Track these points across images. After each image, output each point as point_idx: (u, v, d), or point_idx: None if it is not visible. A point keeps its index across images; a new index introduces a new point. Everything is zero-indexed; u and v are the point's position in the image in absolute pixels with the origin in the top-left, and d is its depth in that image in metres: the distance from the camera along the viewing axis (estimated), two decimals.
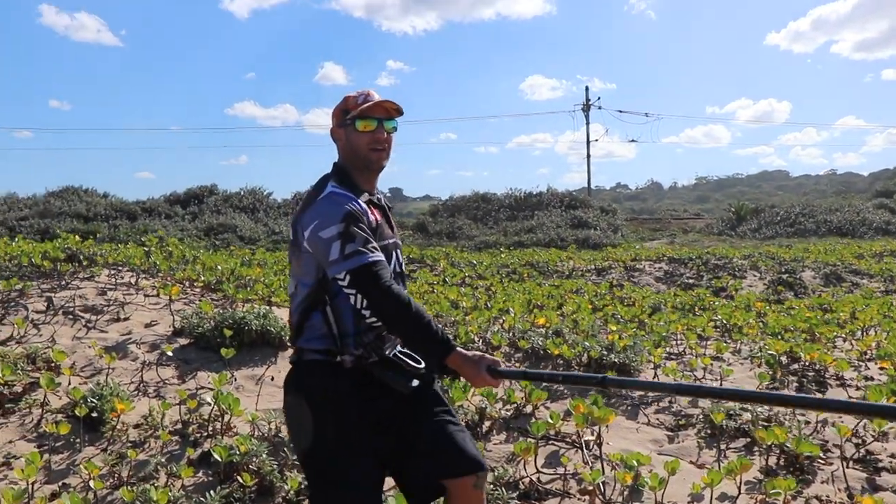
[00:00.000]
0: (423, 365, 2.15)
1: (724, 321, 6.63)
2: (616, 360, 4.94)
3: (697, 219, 46.22)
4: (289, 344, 2.47)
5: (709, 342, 6.01)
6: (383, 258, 2.07)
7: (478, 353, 2.09)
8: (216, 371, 4.48)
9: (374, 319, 2.06)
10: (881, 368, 5.17)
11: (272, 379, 4.53)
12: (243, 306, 5.87)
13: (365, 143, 2.17)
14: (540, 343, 5.25)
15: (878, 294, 11.22)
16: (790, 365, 5.36)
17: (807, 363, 5.26)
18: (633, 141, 54.27)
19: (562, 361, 5.09)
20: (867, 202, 42.03)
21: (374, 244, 2.06)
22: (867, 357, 5.57)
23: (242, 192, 31.19)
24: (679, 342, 6.08)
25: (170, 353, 4.60)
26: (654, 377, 4.98)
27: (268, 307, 5.59)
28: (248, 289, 6.48)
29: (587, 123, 44.93)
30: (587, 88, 46.15)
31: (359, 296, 2.01)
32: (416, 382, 2.14)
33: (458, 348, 2.06)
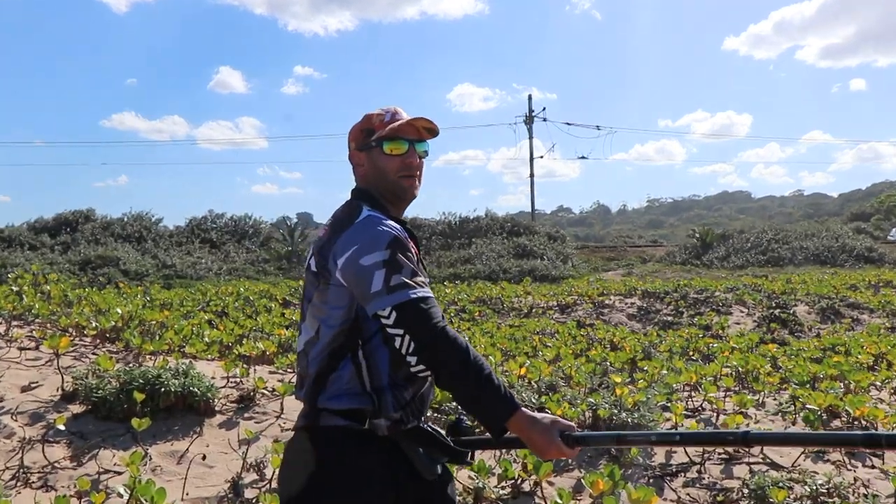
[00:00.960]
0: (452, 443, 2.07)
1: (739, 368, 6.46)
2: (629, 420, 4.64)
3: (656, 246, 47.36)
4: (300, 399, 2.08)
5: (726, 394, 5.80)
6: (433, 295, 1.98)
7: (547, 414, 1.95)
8: (124, 448, 3.96)
9: (418, 369, 1.95)
10: None
11: (203, 458, 4.00)
12: (153, 360, 5.37)
13: (394, 168, 2.14)
14: (535, 401, 4.90)
15: (885, 331, 11.43)
16: (830, 421, 5.18)
17: (851, 419, 5.08)
18: (582, 158, 55.50)
19: None
20: (844, 226, 44.12)
21: (423, 278, 2.00)
22: None
23: (126, 219, 30.27)
24: (688, 393, 5.86)
25: (61, 427, 3.98)
26: None
27: (188, 361, 5.11)
28: (157, 338, 5.93)
29: (530, 138, 45.53)
30: (530, 98, 46.84)
31: (406, 337, 1.90)
32: (439, 469, 2.08)
33: (524, 408, 1.91)
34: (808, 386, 5.82)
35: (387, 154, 2.12)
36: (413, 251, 2.04)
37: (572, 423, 1.98)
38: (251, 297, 12.20)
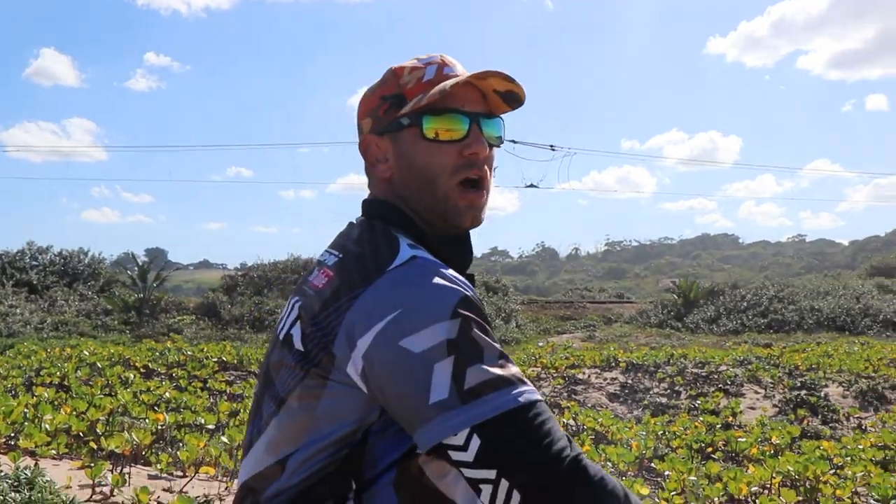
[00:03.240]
0: None
1: (797, 475, 6.30)
2: None
3: (623, 303, 48.11)
4: None
5: None
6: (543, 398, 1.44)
7: None
8: None
9: None
10: None
11: None
12: None
13: (446, 167, 1.62)
14: None
15: None
16: None
17: None
18: (532, 186, 55.01)
19: None
20: (864, 282, 45.64)
21: (517, 368, 1.43)
22: None
23: None
24: None
25: None
26: None
27: (30, 463, 4.60)
28: None
29: None
30: None
31: (502, 484, 1.32)
32: None
33: None
34: (893, 502, 5.67)
35: (431, 140, 1.60)
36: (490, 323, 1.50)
37: None
38: (99, 364, 11.57)
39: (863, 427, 11.59)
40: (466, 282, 1.49)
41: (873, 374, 14.68)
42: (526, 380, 1.39)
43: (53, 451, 5.70)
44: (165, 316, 34.69)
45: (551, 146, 47.80)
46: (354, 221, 1.71)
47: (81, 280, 36.41)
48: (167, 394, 9.11)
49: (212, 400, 10.20)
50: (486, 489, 1.32)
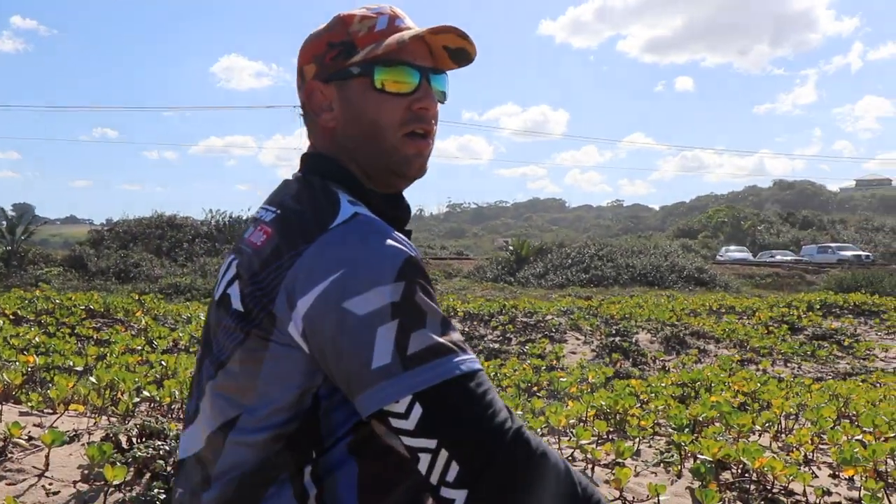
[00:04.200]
0: None
1: (608, 408, 6.59)
2: None
3: (462, 259, 48.69)
4: None
5: (598, 441, 5.86)
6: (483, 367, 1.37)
7: None
8: None
9: None
10: (840, 478, 5.33)
11: None
12: None
13: (395, 119, 1.49)
14: None
15: (737, 364, 12.26)
16: (718, 473, 5.33)
17: (742, 471, 5.26)
18: None
19: None
20: (671, 242, 47.61)
21: (459, 335, 1.31)
22: (809, 460, 5.78)
23: None
24: (555, 440, 5.86)
25: None
26: None
27: None
28: None
29: None
30: None
31: (441, 454, 1.21)
32: None
33: None
34: (686, 431, 5.99)
35: (380, 91, 1.47)
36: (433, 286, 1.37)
37: None
38: None
39: (666, 368, 12.12)
40: (409, 241, 1.38)
41: (676, 323, 15.40)
42: (467, 348, 1.29)
43: None
44: (33, 267, 33.34)
45: None
46: (291, 177, 1.58)
47: None
48: (37, 339, 8.79)
49: (80, 345, 9.89)
50: (425, 458, 1.22)
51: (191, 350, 10.20)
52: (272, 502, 1.35)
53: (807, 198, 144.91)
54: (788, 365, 12.88)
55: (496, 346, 13.18)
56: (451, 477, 1.20)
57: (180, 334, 11.38)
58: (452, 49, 1.52)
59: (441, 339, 1.26)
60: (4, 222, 35.43)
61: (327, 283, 1.27)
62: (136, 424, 4.81)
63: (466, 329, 14.21)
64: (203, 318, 10.08)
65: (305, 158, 1.57)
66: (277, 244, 1.37)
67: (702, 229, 67.75)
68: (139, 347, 9.70)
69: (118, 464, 4.03)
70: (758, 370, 11.59)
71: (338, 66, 1.50)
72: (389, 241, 1.32)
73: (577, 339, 14.17)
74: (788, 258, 52.11)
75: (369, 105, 1.48)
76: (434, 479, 1.22)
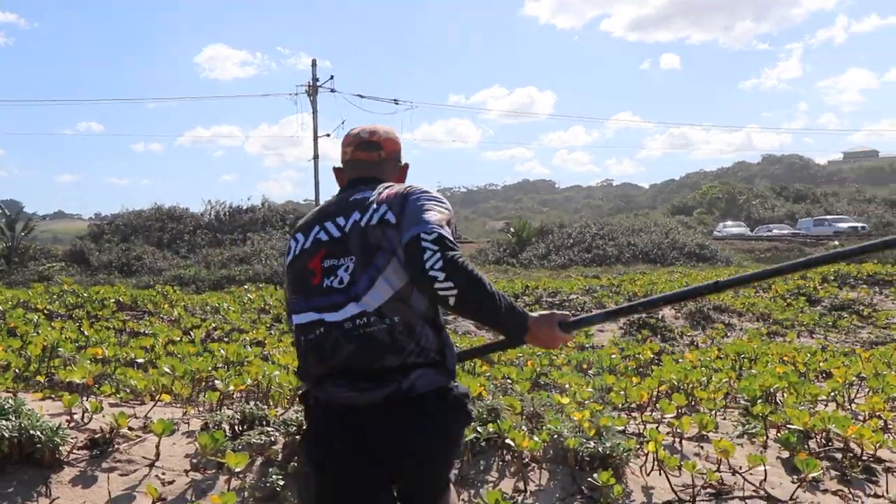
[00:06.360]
0: None
1: (676, 382, 6.63)
2: (601, 450, 4.56)
3: (462, 243, 48.67)
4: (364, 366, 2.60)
5: (679, 415, 5.89)
6: None
7: (542, 311, 2.78)
8: None
9: (444, 286, 2.48)
10: None
11: None
12: None
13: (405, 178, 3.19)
14: (491, 433, 4.70)
15: (765, 337, 12.35)
16: (805, 442, 5.38)
17: (826, 438, 5.32)
18: None
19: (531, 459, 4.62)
20: (669, 219, 47.68)
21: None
22: (888, 427, 5.86)
23: None
24: (637, 417, 5.91)
25: None
26: (650, 471, 4.68)
27: (13, 396, 4.42)
28: None
29: (314, 112, 44.50)
30: (314, 64, 45.92)
31: (437, 255, 2.51)
32: None
33: (530, 313, 2.70)
34: (760, 402, 6.04)
35: (403, 168, 3.17)
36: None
37: (566, 313, 2.80)
38: (1, 307, 10.96)
39: (695, 343, 12.19)
40: None
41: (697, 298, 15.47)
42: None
43: (2, 386, 5.47)
44: (35, 263, 33.20)
45: (395, 100, 47.70)
46: (364, 186, 2.92)
47: None
48: (85, 332, 8.76)
49: (118, 337, 9.88)
50: (430, 253, 2.51)
51: (226, 339, 10.19)
52: (422, 332, 2.62)
53: (795, 171, 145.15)
54: (814, 336, 12.97)
55: None
56: (438, 266, 2.50)
57: (212, 324, 11.40)
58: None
59: (452, 238, 2.64)
60: (2, 219, 35.26)
61: (424, 194, 2.77)
62: (237, 412, 4.83)
63: None
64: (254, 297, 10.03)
65: (370, 176, 2.98)
66: (398, 191, 2.79)
67: (696, 206, 67.95)
68: (178, 339, 9.69)
69: (230, 451, 4.05)
70: (785, 342, 11.63)
71: (399, 159, 3.14)
72: (440, 195, 2.81)
73: None
74: (786, 231, 52.37)
75: (403, 172, 3.15)
76: (429, 265, 2.49)
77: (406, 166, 3.11)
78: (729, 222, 58.97)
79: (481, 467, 4.72)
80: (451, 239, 2.56)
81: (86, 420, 4.67)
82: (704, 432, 5.42)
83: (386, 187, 2.80)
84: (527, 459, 4.67)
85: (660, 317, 13.76)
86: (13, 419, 3.81)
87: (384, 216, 2.64)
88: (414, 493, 2.73)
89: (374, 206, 2.70)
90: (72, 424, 4.59)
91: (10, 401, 4.02)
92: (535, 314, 2.66)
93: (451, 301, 2.47)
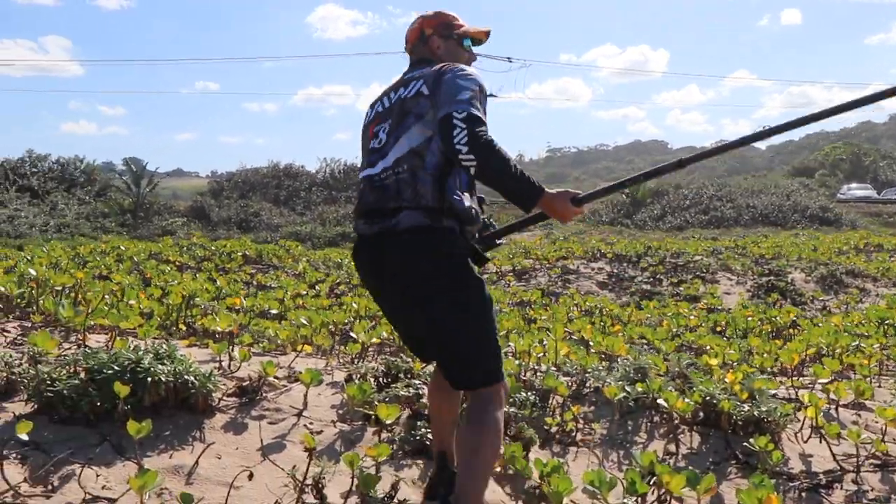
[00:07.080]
0: None
1: (825, 347, 6.35)
2: (756, 414, 4.36)
3: None
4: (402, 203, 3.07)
5: (834, 381, 5.63)
6: None
7: (555, 189, 3.13)
8: (105, 463, 3.32)
9: (466, 158, 2.90)
10: None
11: (239, 476, 3.37)
12: (108, 342, 4.79)
13: (466, 59, 3.41)
14: (640, 393, 4.57)
15: None
16: None
17: None
18: (491, 96, 55.08)
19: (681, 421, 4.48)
20: (791, 181, 46.13)
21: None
22: None
23: None
24: (787, 380, 5.68)
25: (23, 437, 3.23)
26: (807, 438, 4.47)
27: (166, 342, 4.53)
28: (89, 310, 5.01)
29: None
30: None
31: (465, 131, 2.90)
32: None
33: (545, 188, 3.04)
34: None
35: (461, 48, 3.46)
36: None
37: (577, 191, 3.16)
38: (137, 259, 11.28)
39: (827, 308, 11.74)
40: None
41: (829, 262, 14.87)
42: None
43: (154, 335, 5.54)
44: (158, 218, 34.24)
45: (508, 58, 47.25)
46: (419, 66, 3.38)
47: (79, 185, 35.62)
48: (218, 283, 8.88)
49: (246, 289, 10.05)
50: (458, 130, 2.90)
51: (350, 294, 10.24)
52: (424, 182, 3.02)
53: None
54: None
55: (648, 287, 12.96)
56: (464, 140, 2.90)
57: (336, 278, 11.49)
58: (481, 38, 3.54)
59: (482, 116, 2.99)
60: (129, 176, 36.45)
61: (457, 70, 3.12)
62: (381, 363, 4.79)
63: (615, 271, 13.99)
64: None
65: (422, 58, 3.43)
66: (438, 68, 3.17)
67: (818, 167, 65.37)
68: (304, 292, 9.78)
69: (379, 403, 4.00)
70: None
71: (446, 32, 3.43)
72: (476, 72, 3.16)
73: (729, 279, 13.82)
74: None
75: (458, 53, 3.42)
76: (455, 140, 2.89)
77: (459, 38, 3.42)
78: (854, 185, 56.24)
79: (629, 427, 4.59)
80: (479, 116, 2.95)
81: (233, 368, 4.70)
82: (861, 399, 5.15)
83: (429, 66, 3.25)
84: (677, 421, 4.52)
85: (790, 280, 13.31)
86: (168, 364, 3.83)
87: (420, 89, 3.14)
88: (427, 333, 3.19)
89: (414, 81, 3.20)
90: (220, 372, 4.62)
91: (165, 346, 4.05)
92: (552, 190, 3.06)
93: (473, 171, 2.92)
